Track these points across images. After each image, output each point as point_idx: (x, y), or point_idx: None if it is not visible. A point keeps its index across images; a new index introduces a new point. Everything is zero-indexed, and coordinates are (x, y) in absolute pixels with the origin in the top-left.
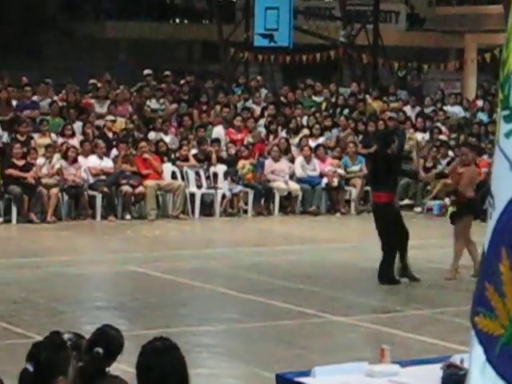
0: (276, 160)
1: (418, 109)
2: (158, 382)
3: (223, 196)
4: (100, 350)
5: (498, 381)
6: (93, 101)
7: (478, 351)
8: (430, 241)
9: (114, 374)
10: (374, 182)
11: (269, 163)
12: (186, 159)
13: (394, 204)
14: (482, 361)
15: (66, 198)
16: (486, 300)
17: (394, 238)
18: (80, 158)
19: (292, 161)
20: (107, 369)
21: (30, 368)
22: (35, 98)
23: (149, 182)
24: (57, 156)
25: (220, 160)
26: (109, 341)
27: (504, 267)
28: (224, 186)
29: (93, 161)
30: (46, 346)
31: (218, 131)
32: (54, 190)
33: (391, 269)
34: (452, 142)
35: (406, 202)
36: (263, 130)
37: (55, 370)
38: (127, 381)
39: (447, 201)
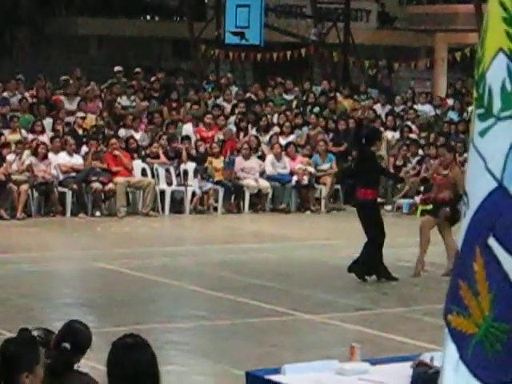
0: (246, 158)
1: (388, 107)
2: (129, 378)
3: (193, 193)
4: (67, 345)
5: (471, 379)
6: (63, 97)
7: (451, 350)
8: (400, 239)
9: (82, 371)
10: (360, 180)
11: (239, 161)
12: (157, 156)
13: (377, 201)
14: (455, 359)
15: (35, 194)
16: (459, 298)
17: (376, 234)
18: (50, 155)
19: (262, 158)
20: (76, 365)
21: None
22: (5, 94)
23: (119, 179)
24: (27, 152)
25: (190, 157)
26: (76, 335)
27: (478, 265)
28: (194, 184)
29: (63, 157)
30: (14, 342)
31: (188, 128)
32: (24, 187)
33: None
34: (422, 141)
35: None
36: (234, 128)
37: (20, 366)
38: (96, 378)
39: (417, 199)
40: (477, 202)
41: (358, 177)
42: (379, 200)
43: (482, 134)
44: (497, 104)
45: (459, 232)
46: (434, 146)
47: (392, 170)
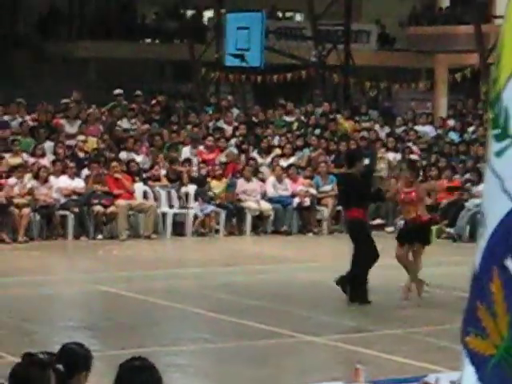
0: (248, 180)
1: (388, 129)
2: None
3: (195, 216)
4: (60, 367)
5: None
6: (63, 121)
7: (469, 371)
8: None
9: None
10: (346, 202)
11: (241, 183)
12: (158, 179)
13: (365, 221)
14: (473, 381)
15: (37, 217)
16: (476, 320)
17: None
18: (51, 178)
19: (263, 180)
20: None
21: None
22: (6, 117)
23: (120, 202)
24: (28, 176)
25: (191, 180)
26: (69, 356)
27: (495, 286)
28: (195, 206)
29: (64, 181)
30: (26, 366)
31: (189, 151)
32: (26, 210)
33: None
34: (424, 162)
35: (378, 221)
36: (235, 150)
37: None
38: None
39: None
40: (494, 223)
41: (342, 200)
42: (380, 221)
43: (499, 154)
44: None
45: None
46: (435, 167)
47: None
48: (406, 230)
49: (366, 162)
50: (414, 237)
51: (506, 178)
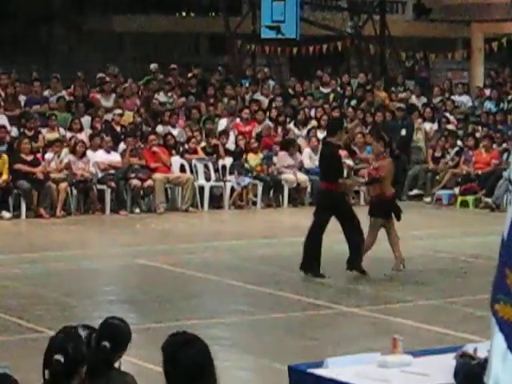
0: (290, 154)
1: (425, 99)
2: (187, 375)
3: (232, 188)
4: (107, 344)
5: None
6: (99, 95)
7: (498, 339)
8: (440, 230)
9: (123, 371)
10: (322, 172)
11: (282, 156)
12: (195, 152)
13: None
14: (503, 349)
15: (74, 192)
16: (506, 287)
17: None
18: (88, 153)
19: (300, 152)
20: (117, 362)
21: (61, 359)
22: (45, 93)
23: (157, 176)
24: (65, 151)
25: (228, 152)
26: (114, 333)
27: None
28: (232, 179)
29: (101, 155)
30: (69, 339)
31: (226, 124)
32: (63, 185)
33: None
34: (460, 132)
35: (416, 192)
36: (270, 123)
37: (81, 361)
38: (138, 375)
39: (456, 190)
40: None
41: (320, 169)
42: (417, 192)
43: None
44: None
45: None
46: (472, 137)
47: (430, 162)
48: (371, 207)
49: (403, 132)
50: (378, 212)
51: None
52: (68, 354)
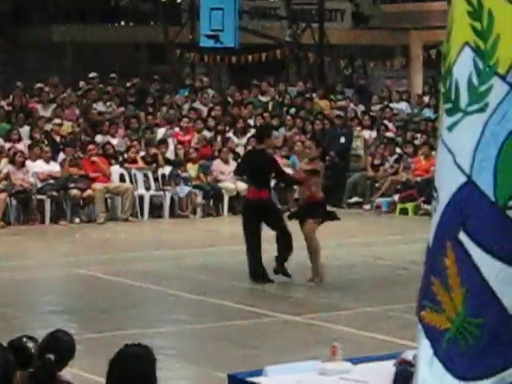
0: (225, 161)
1: (363, 107)
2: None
3: (172, 198)
4: (51, 356)
5: (445, 375)
6: (38, 105)
7: (425, 345)
8: (380, 238)
9: (65, 380)
10: (250, 179)
11: (217, 164)
12: (134, 161)
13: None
14: (429, 355)
15: (14, 202)
16: (431, 294)
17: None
18: (28, 163)
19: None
20: (58, 373)
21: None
22: None
23: (97, 185)
24: (4, 161)
25: (168, 162)
26: (60, 346)
27: (449, 261)
28: (171, 188)
29: (40, 165)
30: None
31: (165, 133)
32: (2, 195)
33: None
34: (399, 139)
35: (355, 199)
36: (207, 133)
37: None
38: None
39: (396, 198)
40: (446, 197)
41: (248, 176)
42: (357, 199)
43: (450, 128)
44: (464, 98)
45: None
46: (411, 144)
47: (370, 169)
48: (298, 209)
49: (342, 140)
50: (304, 214)
51: (457, 152)
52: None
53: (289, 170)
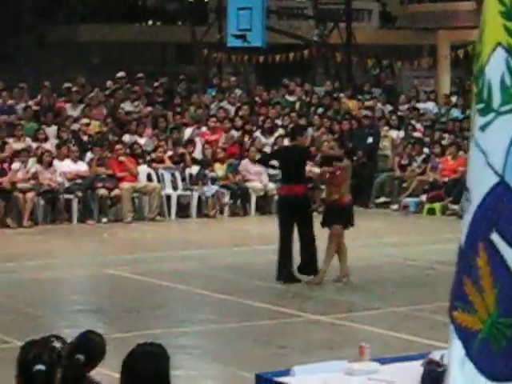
0: (253, 161)
1: (391, 106)
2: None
3: (199, 197)
4: (81, 357)
5: (477, 376)
6: (66, 105)
7: (456, 346)
8: (407, 238)
9: (94, 380)
10: (290, 175)
11: (245, 164)
12: (162, 161)
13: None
14: (461, 356)
15: (41, 202)
16: (464, 294)
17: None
18: (55, 162)
19: None
20: (87, 374)
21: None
22: (10, 102)
23: (124, 185)
24: (32, 160)
25: (195, 161)
26: (91, 348)
27: (481, 261)
28: (199, 188)
29: (67, 165)
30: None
31: (192, 133)
32: (30, 195)
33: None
34: (427, 139)
35: (383, 199)
36: (235, 133)
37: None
38: None
39: (423, 198)
40: (479, 198)
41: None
42: (384, 199)
43: (483, 128)
44: (496, 98)
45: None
46: (438, 144)
47: (397, 169)
48: (325, 213)
49: (370, 140)
50: (333, 220)
51: (489, 152)
52: (46, 363)
53: (316, 170)
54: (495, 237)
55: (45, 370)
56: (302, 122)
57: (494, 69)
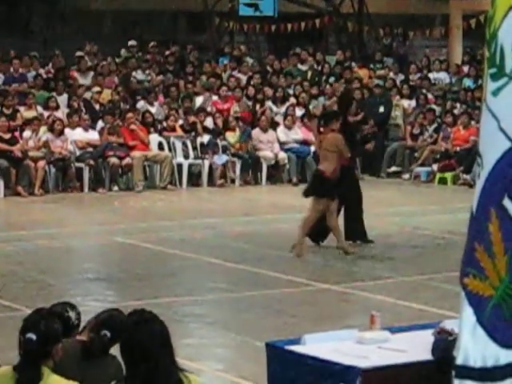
0: (264, 130)
1: (402, 76)
2: (139, 354)
3: (210, 166)
4: (107, 333)
5: (488, 342)
6: (77, 73)
7: (468, 313)
8: (418, 207)
9: (112, 354)
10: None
11: (256, 133)
12: (173, 130)
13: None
14: (472, 322)
15: (53, 170)
16: (475, 261)
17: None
18: (66, 131)
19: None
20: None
21: (33, 337)
22: (23, 71)
23: (136, 154)
24: (43, 129)
25: (207, 130)
26: (115, 325)
27: (493, 227)
28: (210, 157)
29: (79, 133)
30: (42, 317)
31: (204, 101)
32: (41, 163)
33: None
34: (438, 109)
35: (394, 168)
36: (247, 101)
37: (54, 340)
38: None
39: (435, 167)
40: (491, 163)
41: None
42: (395, 169)
43: (495, 93)
44: (509, 63)
45: (469, 196)
46: (450, 114)
47: (409, 139)
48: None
49: (382, 109)
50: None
51: (502, 117)
52: (40, 332)
53: None
54: (507, 202)
55: (36, 339)
56: (314, 91)
57: (506, 33)
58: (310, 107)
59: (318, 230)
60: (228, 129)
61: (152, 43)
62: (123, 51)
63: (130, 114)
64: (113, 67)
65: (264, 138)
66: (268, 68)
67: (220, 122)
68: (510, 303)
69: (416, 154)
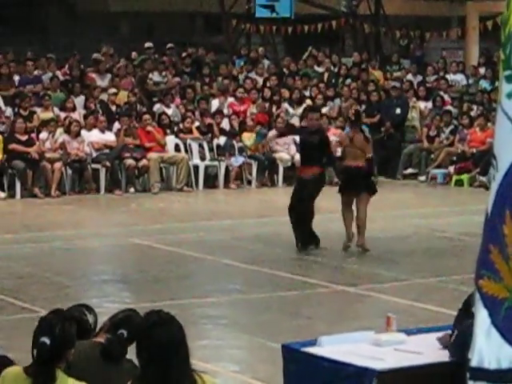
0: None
1: (420, 77)
2: (156, 355)
3: (227, 168)
4: (124, 333)
5: (503, 344)
6: (94, 75)
7: (482, 315)
8: (434, 209)
9: (127, 358)
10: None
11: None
12: (189, 131)
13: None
14: (487, 325)
15: (69, 172)
16: (490, 263)
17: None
18: (83, 132)
19: None
20: None
21: (47, 341)
22: (39, 72)
23: (152, 155)
24: (60, 130)
25: (223, 132)
26: (132, 325)
27: (508, 229)
28: (227, 158)
29: (95, 135)
30: (57, 321)
31: (220, 103)
32: (58, 165)
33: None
34: (455, 111)
35: (410, 170)
36: (264, 102)
37: (68, 344)
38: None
39: (451, 169)
40: (505, 165)
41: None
42: (412, 171)
43: (510, 95)
44: None
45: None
46: (467, 116)
47: (425, 141)
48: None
49: (398, 111)
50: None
51: None
52: (55, 336)
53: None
54: None
55: (49, 344)
56: (330, 92)
57: None
58: (325, 110)
59: (309, 235)
60: (244, 130)
61: (168, 45)
62: (139, 53)
63: (146, 116)
64: (129, 69)
65: (280, 139)
66: (284, 70)
67: (236, 124)
68: None
69: (432, 156)
